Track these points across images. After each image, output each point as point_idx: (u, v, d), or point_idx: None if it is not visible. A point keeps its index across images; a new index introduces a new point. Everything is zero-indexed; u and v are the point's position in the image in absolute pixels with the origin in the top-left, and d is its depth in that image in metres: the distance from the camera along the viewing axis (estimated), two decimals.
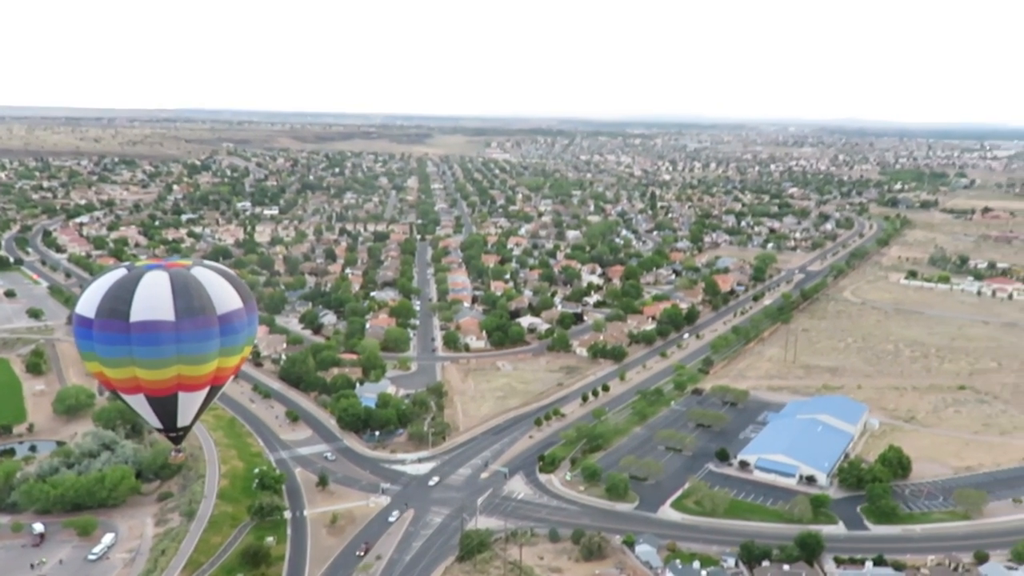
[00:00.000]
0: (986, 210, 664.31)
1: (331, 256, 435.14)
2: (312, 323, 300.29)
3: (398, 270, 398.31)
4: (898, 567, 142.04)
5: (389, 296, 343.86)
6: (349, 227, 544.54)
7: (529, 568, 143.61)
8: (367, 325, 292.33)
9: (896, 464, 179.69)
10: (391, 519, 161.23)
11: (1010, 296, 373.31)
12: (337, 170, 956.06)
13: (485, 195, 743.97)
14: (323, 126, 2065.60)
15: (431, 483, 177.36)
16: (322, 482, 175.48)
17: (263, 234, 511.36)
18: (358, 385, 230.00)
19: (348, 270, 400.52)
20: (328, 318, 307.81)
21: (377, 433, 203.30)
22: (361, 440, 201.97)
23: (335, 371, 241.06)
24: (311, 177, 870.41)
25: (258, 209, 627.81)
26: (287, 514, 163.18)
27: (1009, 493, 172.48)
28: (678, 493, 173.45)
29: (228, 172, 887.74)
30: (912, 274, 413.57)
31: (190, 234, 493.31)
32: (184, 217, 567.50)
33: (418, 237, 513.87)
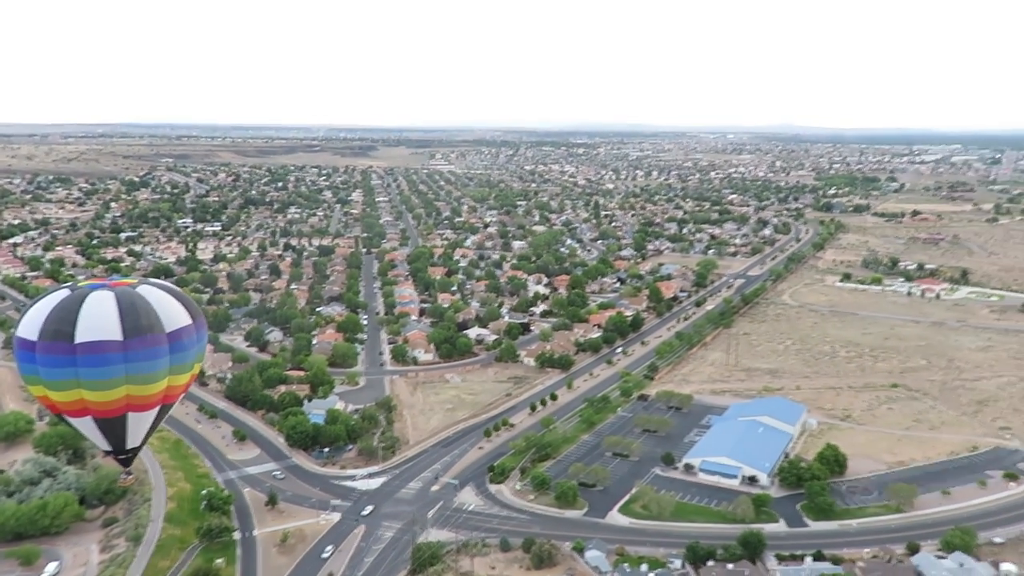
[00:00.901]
0: (915, 213, 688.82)
1: (276, 272, 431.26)
2: (258, 340, 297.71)
3: (344, 284, 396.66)
4: (836, 561, 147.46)
5: (336, 311, 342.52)
6: (294, 242, 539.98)
7: None
8: (314, 341, 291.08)
9: (833, 462, 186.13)
10: (324, 555, 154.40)
11: (938, 296, 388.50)
12: (280, 184, 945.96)
13: (431, 207, 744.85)
14: (264, 140, 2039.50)
15: (365, 512, 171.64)
16: (271, 501, 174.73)
17: (205, 251, 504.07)
18: (306, 402, 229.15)
19: (293, 286, 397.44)
20: (274, 335, 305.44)
21: (326, 450, 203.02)
22: (310, 457, 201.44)
23: (282, 388, 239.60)
24: (254, 192, 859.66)
25: (200, 226, 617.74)
26: (236, 535, 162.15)
27: (938, 485, 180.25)
28: (626, 498, 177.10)
29: (168, 188, 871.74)
30: (846, 276, 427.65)
31: (130, 253, 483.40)
32: (123, 235, 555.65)
33: (364, 251, 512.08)
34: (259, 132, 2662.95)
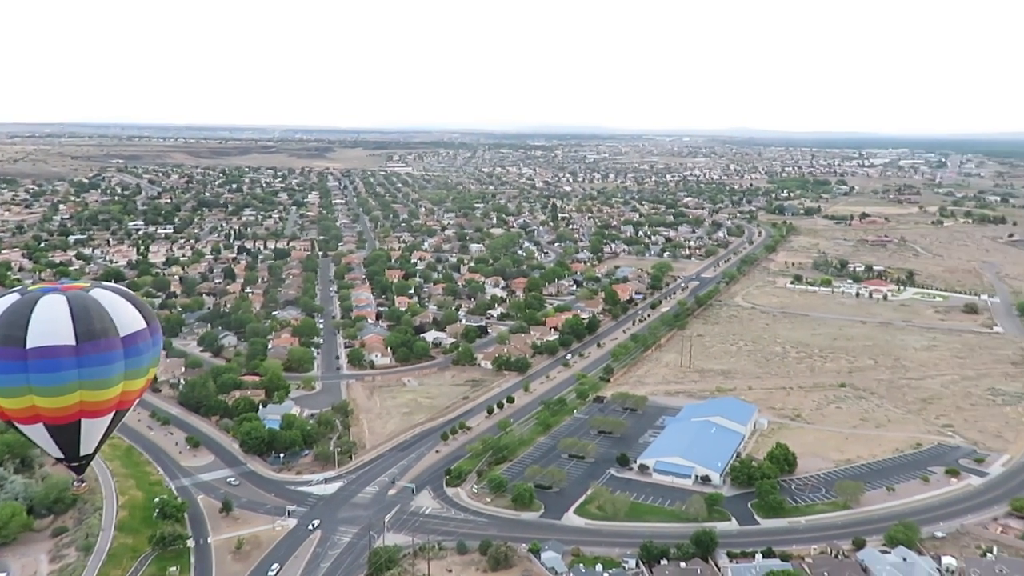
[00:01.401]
0: (863, 216, 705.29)
1: (230, 275, 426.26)
2: (212, 345, 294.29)
3: (300, 288, 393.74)
4: (785, 558, 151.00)
5: (291, 315, 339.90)
6: (248, 245, 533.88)
7: None
8: (269, 345, 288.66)
9: (783, 460, 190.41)
10: (270, 573, 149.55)
11: (884, 297, 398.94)
12: (234, 186, 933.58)
13: (388, 209, 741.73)
14: (218, 140, 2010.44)
15: (310, 527, 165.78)
16: (226, 508, 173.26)
17: (158, 254, 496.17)
18: (261, 407, 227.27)
19: (248, 289, 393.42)
20: (228, 339, 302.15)
21: (282, 455, 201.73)
22: (266, 463, 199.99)
23: (237, 394, 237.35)
24: (207, 194, 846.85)
25: (152, 228, 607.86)
26: (190, 542, 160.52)
27: (883, 482, 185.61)
28: (581, 499, 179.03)
29: (118, 190, 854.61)
30: (797, 278, 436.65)
31: (79, 256, 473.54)
32: (72, 238, 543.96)
33: (320, 254, 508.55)
34: (213, 133, 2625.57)
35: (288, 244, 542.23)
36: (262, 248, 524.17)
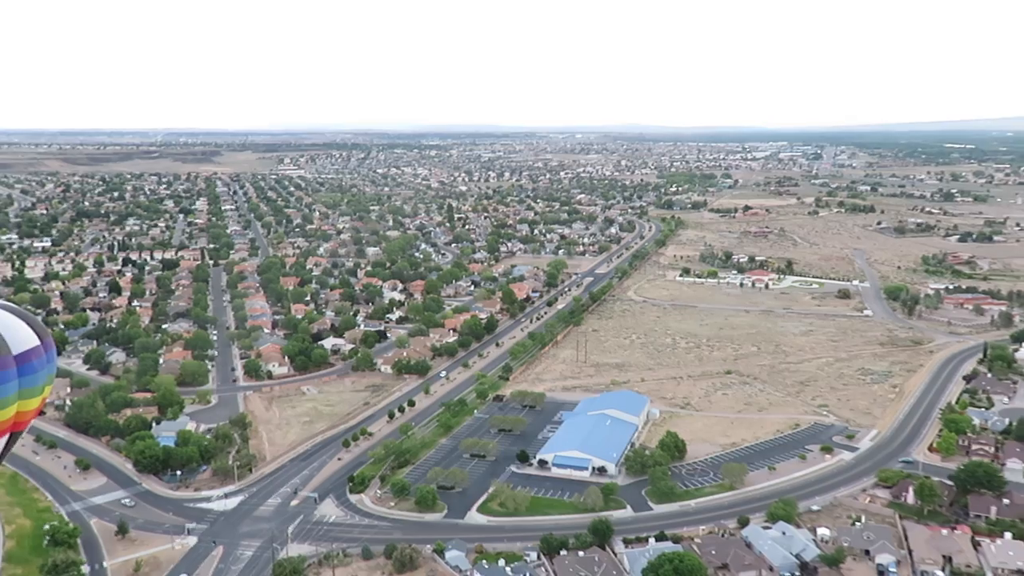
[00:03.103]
0: (746, 208, 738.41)
1: (115, 289, 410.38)
2: (99, 363, 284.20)
3: (191, 299, 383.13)
4: (676, 540, 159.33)
5: (183, 328, 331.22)
6: (134, 256, 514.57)
7: None
8: (160, 360, 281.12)
9: (673, 448, 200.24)
10: None
11: (766, 286, 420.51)
12: (116, 194, 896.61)
13: (281, 214, 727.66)
14: (96, 146, 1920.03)
15: None
16: (121, 530, 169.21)
17: (35, 269, 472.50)
18: (155, 424, 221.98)
19: (135, 303, 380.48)
20: (116, 356, 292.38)
21: (179, 472, 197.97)
22: (161, 481, 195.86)
23: (128, 412, 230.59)
24: (86, 203, 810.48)
25: (27, 241, 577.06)
26: (85, 568, 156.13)
27: (765, 462, 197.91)
28: (483, 497, 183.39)
29: None
30: (686, 271, 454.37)
31: None
32: None
33: (211, 263, 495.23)
34: (90, 137, 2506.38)
35: (176, 254, 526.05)
36: (149, 259, 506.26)
